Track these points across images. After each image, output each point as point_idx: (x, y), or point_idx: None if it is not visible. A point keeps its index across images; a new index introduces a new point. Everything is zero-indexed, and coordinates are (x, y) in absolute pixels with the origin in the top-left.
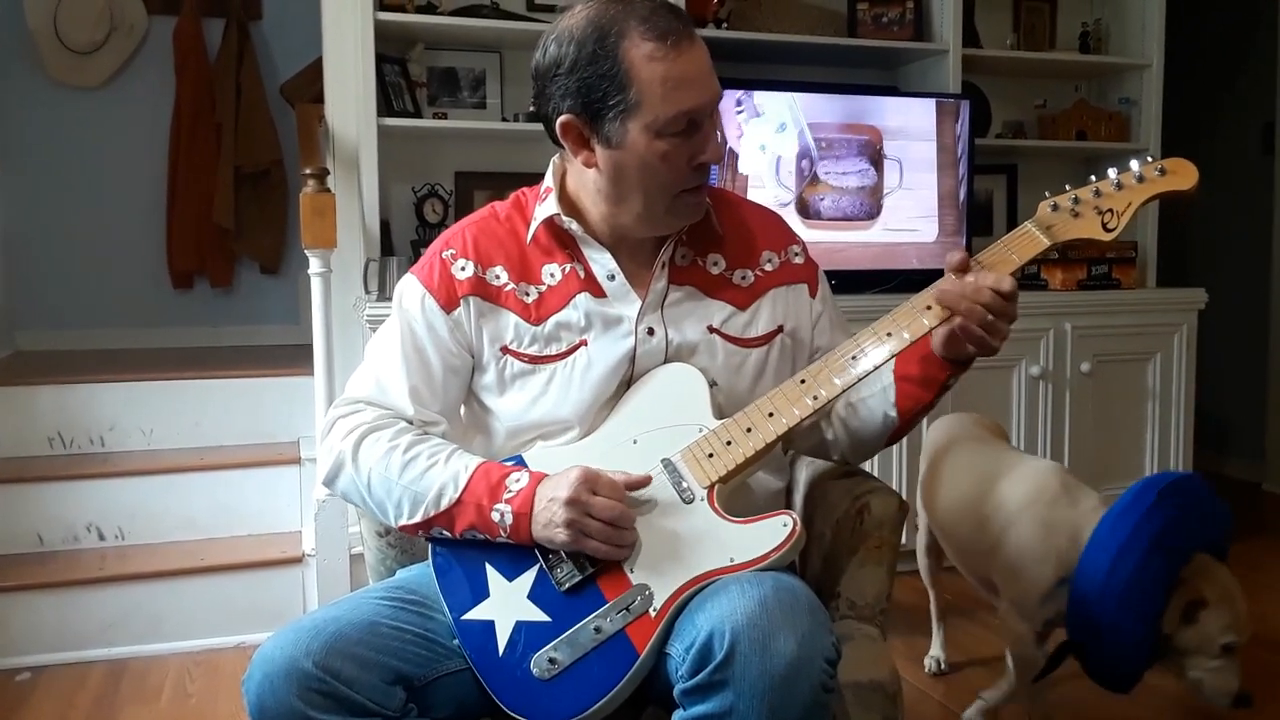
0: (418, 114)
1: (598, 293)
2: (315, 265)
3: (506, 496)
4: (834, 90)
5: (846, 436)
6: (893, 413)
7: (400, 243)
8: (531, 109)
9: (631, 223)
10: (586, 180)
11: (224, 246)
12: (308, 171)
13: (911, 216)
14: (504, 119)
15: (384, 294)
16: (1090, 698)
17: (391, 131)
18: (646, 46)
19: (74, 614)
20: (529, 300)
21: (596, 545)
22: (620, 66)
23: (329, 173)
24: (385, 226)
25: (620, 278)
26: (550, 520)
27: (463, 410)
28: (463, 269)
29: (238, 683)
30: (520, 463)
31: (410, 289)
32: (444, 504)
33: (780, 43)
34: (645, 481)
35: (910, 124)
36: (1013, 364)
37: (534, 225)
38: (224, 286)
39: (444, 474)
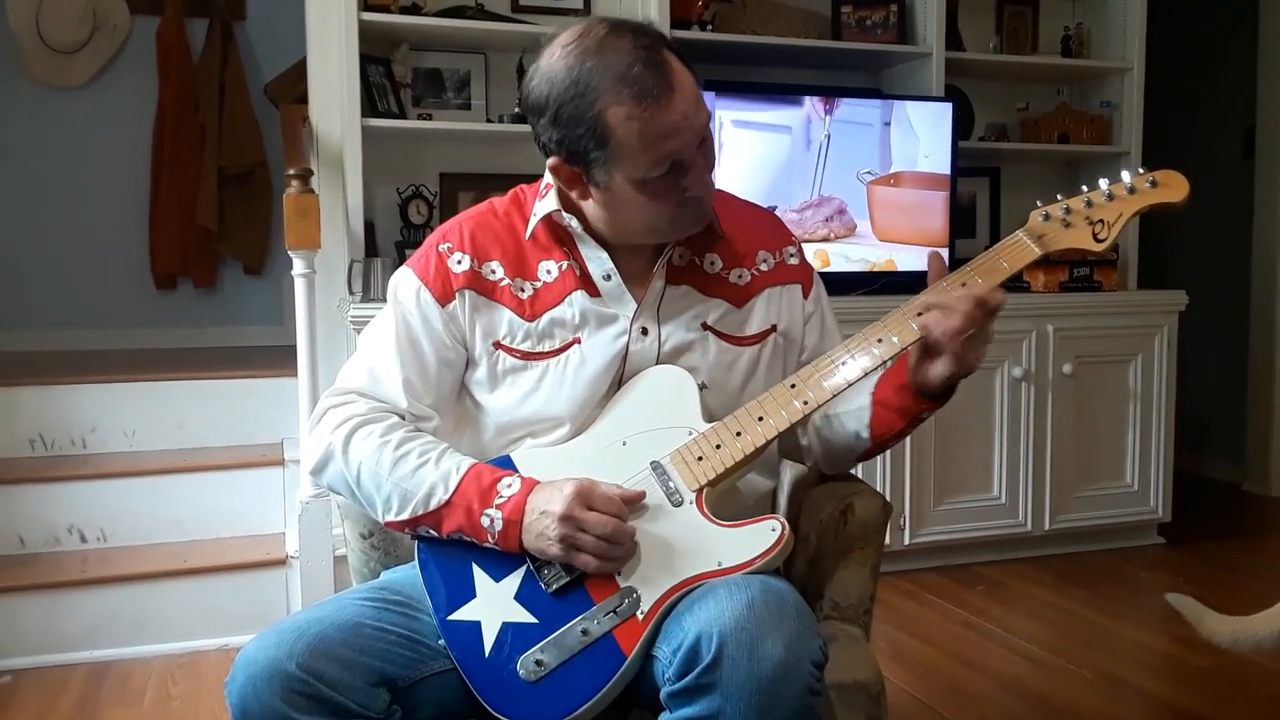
0: (402, 115)
1: (593, 292)
2: (299, 266)
3: (498, 502)
4: (818, 93)
5: (820, 446)
6: (865, 433)
7: (385, 244)
8: (516, 110)
9: (632, 238)
10: (586, 202)
11: (207, 247)
12: (291, 172)
13: (895, 219)
14: (489, 120)
15: (368, 295)
16: (1085, 698)
17: (376, 132)
18: (623, 109)
19: (56, 616)
20: (524, 296)
21: (588, 560)
22: (599, 124)
23: (313, 173)
24: (370, 227)
25: (616, 278)
26: (542, 533)
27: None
28: (459, 262)
29: (221, 685)
30: (509, 464)
31: (406, 281)
32: (433, 504)
33: (764, 45)
34: (640, 496)
35: (894, 127)
36: (995, 366)
37: (533, 221)
38: (207, 287)
39: (434, 474)
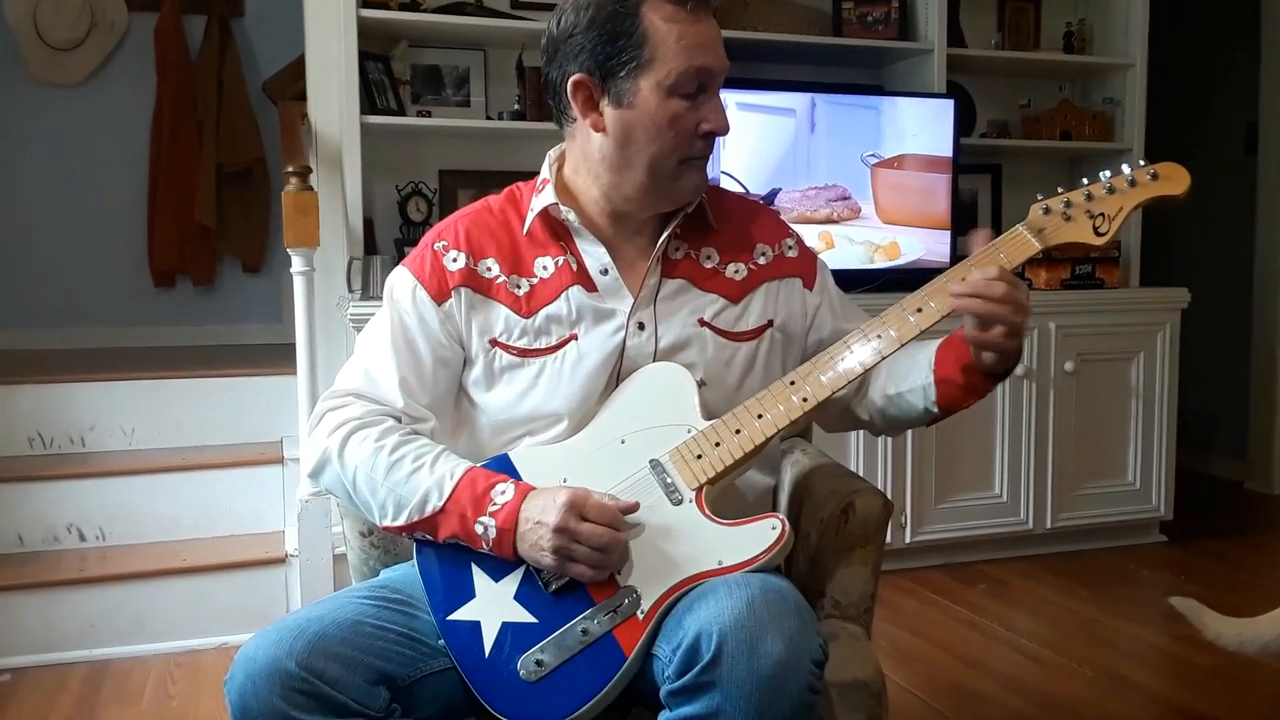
0: (401, 112)
1: (590, 287)
2: (298, 264)
3: (491, 510)
4: (819, 90)
5: (884, 422)
6: (934, 408)
7: (384, 241)
8: (516, 107)
9: (634, 193)
10: (591, 150)
11: (206, 245)
12: (290, 169)
13: (899, 201)
14: (488, 117)
15: (367, 293)
16: (1087, 697)
17: (375, 129)
18: (666, 8)
19: (55, 615)
20: (520, 293)
21: (582, 570)
22: (638, 25)
23: (312, 171)
24: (369, 225)
25: (613, 272)
26: (536, 543)
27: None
28: (454, 260)
29: (220, 683)
30: (506, 465)
31: (401, 280)
32: (428, 510)
33: (765, 42)
34: (634, 507)
35: (895, 123)
36: None
37: (530, 216)
38: (206, 285)
39: (429, 479)
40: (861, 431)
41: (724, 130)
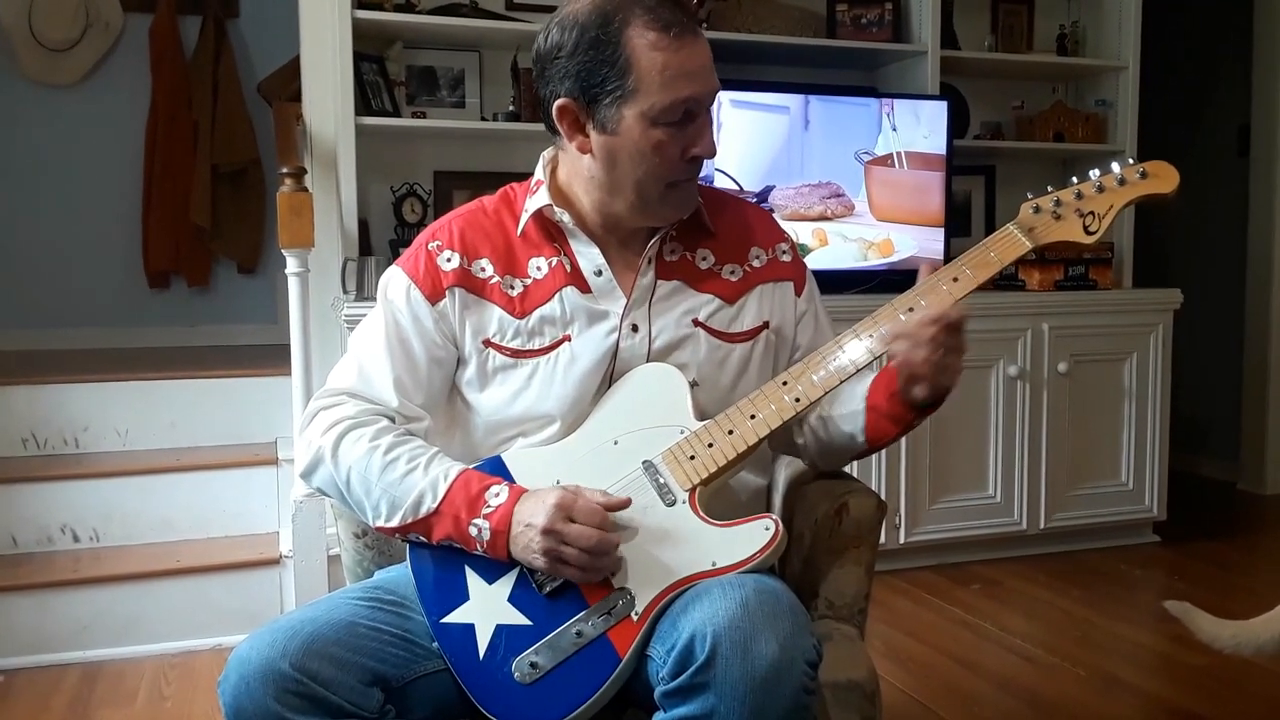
0: (396, 113)
1: (584, 288)
2: (292, 265)
3: (485, 512)
4: (813, 91)
5: (816, 445)
6: (861, 437)
7: (379, 242)
8: (511, 108)
9: (624, 211)
10: (580, 168)
11: (201, 245)
12: (285, 170)
13: (893, 199)
14: (483, 118)
15: (362, 294)
16: (1081, 697)
17: (370, 130)
18: (650, 35)
19: (48, 616)
20: (514, 294)
21: (573, 572)
22: (621, 53)
23: (306, 172)
24: (363, 226)
25: (607, 273)
26: (527, 545)
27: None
28: (448, 260)
29: (214, 685)
30: (499, 467)
31: (395, 280)
32: (422, 512)
33: (759, 43)
34: (625, 504)
35: (889, 124)
36: (990, 364)
37: (524, 217)
38: (201, 286)
39: (423, 481)
40: None
41: (710, 155)
